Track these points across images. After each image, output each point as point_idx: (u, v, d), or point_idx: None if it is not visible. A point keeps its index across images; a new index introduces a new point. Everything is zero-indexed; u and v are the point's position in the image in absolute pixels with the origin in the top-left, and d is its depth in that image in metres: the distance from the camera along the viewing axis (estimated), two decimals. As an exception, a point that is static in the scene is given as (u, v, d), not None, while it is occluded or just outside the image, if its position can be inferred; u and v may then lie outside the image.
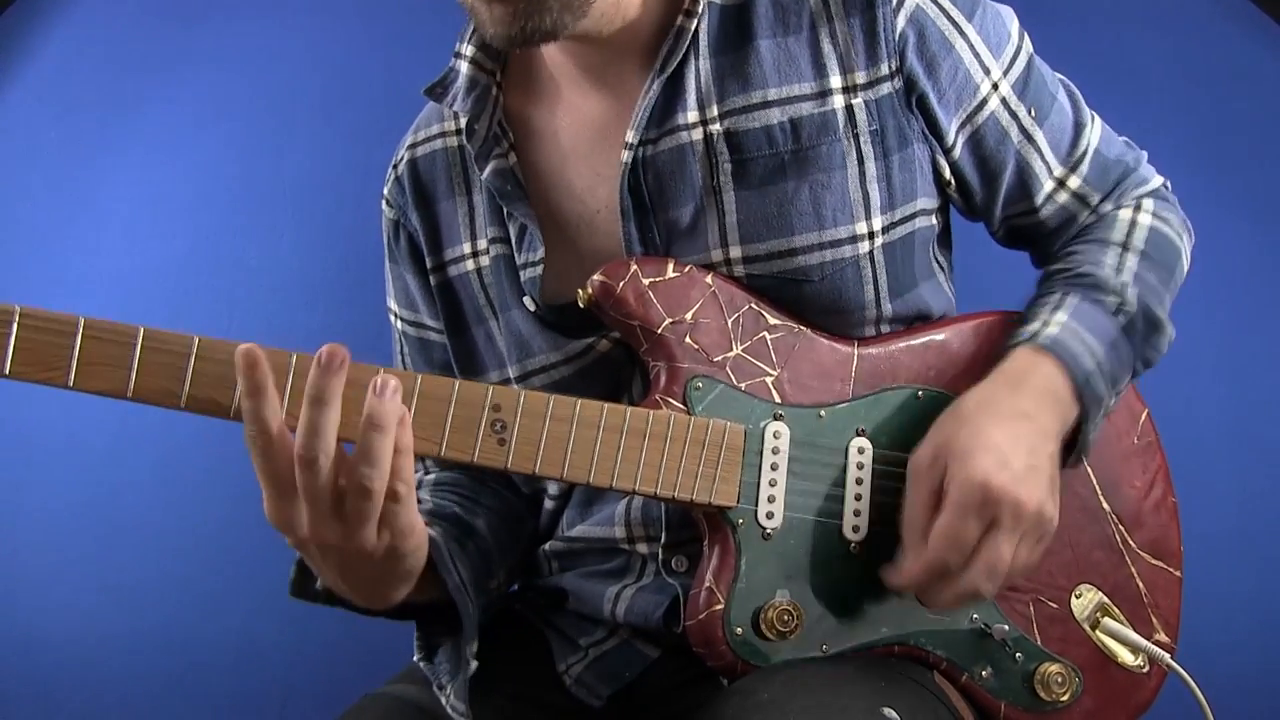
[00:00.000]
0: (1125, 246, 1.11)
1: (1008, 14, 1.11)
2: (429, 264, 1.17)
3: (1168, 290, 1.12)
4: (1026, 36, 1.11)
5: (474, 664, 0.98)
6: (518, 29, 0.98)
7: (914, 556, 0.95)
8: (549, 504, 1.17)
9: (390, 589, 0.91)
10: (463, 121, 1.13)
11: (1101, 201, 1.15)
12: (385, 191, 1.21)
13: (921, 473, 0.97)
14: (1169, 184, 1.21)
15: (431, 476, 1.20)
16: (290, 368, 0.86)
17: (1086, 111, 1.15)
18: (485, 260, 1.13)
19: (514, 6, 0.97)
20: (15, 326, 0.82)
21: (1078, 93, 1.15)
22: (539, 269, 1.08)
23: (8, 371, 0.82)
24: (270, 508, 0.83)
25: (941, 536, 0.93)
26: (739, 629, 0.96)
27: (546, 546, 1.15)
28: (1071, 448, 1.04)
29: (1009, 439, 0.95)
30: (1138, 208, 1.15)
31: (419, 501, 1.08)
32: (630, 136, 1.05)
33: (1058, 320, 1.04)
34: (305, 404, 0.81)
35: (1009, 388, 0.99)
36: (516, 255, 1.10)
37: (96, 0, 1.98)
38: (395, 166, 1.20)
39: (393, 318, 1.24)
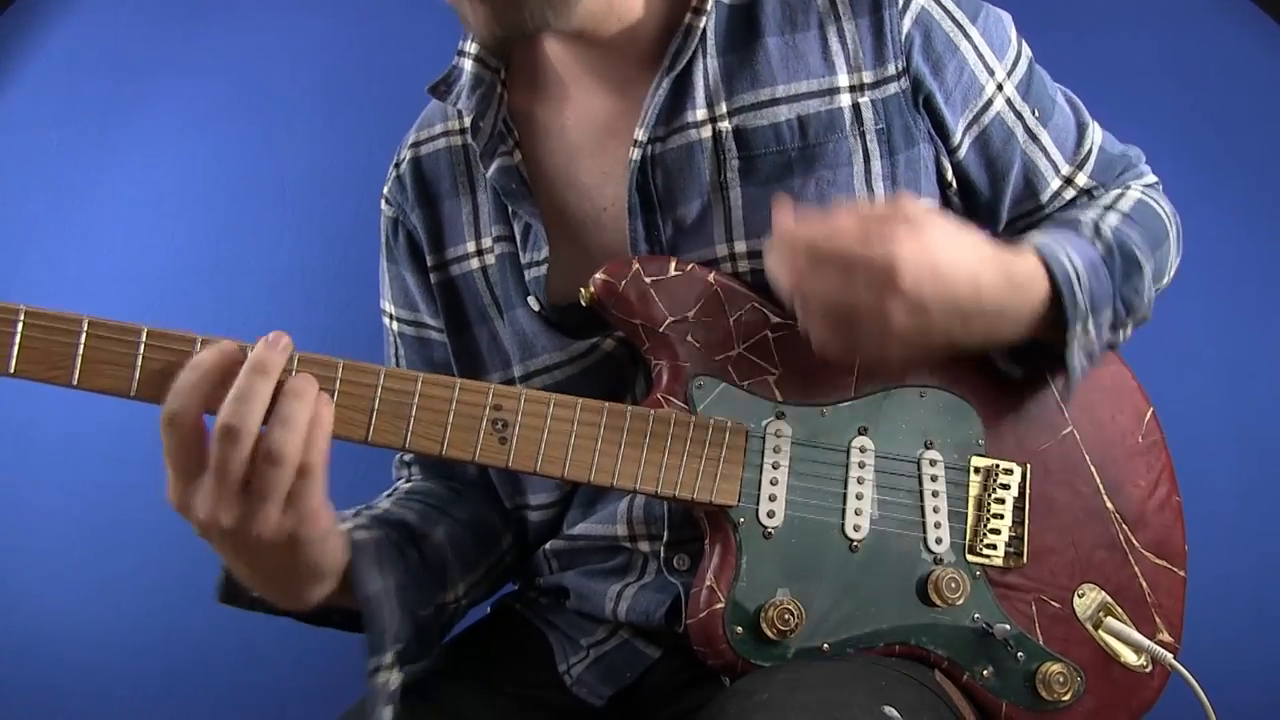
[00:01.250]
0: (1108, 207, 1.10)
1: (1007, 19, 1.12)
2: (430, 262, 1.16)
3: (1149, 247, 1.08)
4: (1025, 42, 1.13)
5: (392, 683, 0.95)
6: (498, 26, 0.99)
7: (814, 220, 0.90)
8: (538, 514, 1.15)
9: (301, 586, 0.90)
10: (467, 120, 1.13)
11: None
12: (385, 190, 1.21)
13: (895, 205, 0.90)
14: (1161, 185, 1.21)
15: (406, 485, 1.19)
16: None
17: (1086, 114, 1.16)
18: (490, 259, 1.13)
19: (492, 6, 0.97)
20: (20, 325, 0.83)
21: (1076, 98, 1.17)
22: (543, 268, 1.08)
23: (12, 370, 0.83)
24: (173, 489, 0.83)
25: (832, 233, 0.88)
26: (739, 628, 0.96)
27: (547, 546, 1.15)
28: (1043, 358, 1.01)
29: (948, 280, 0.88)
30: (1128, 186, 1.16)
31: (371, 507, 1.08)
32: (640, 134, 1.05)
33: (1038, 235, 1.00)
34: (243, 372, 0.81)
35: (996, 258, 0.94)
36: (521, 254, 1.10)
37: (96, 1, 1.98)
38: (397, 165, 1.20)
39: (387, 320, 1.23)
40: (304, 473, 0.82)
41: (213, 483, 0.81)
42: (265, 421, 0.82)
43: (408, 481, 1.21)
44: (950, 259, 0.89)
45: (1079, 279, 0.98)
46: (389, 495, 1.17)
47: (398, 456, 1.25)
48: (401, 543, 1.02)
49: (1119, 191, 1.14)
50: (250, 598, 0.95)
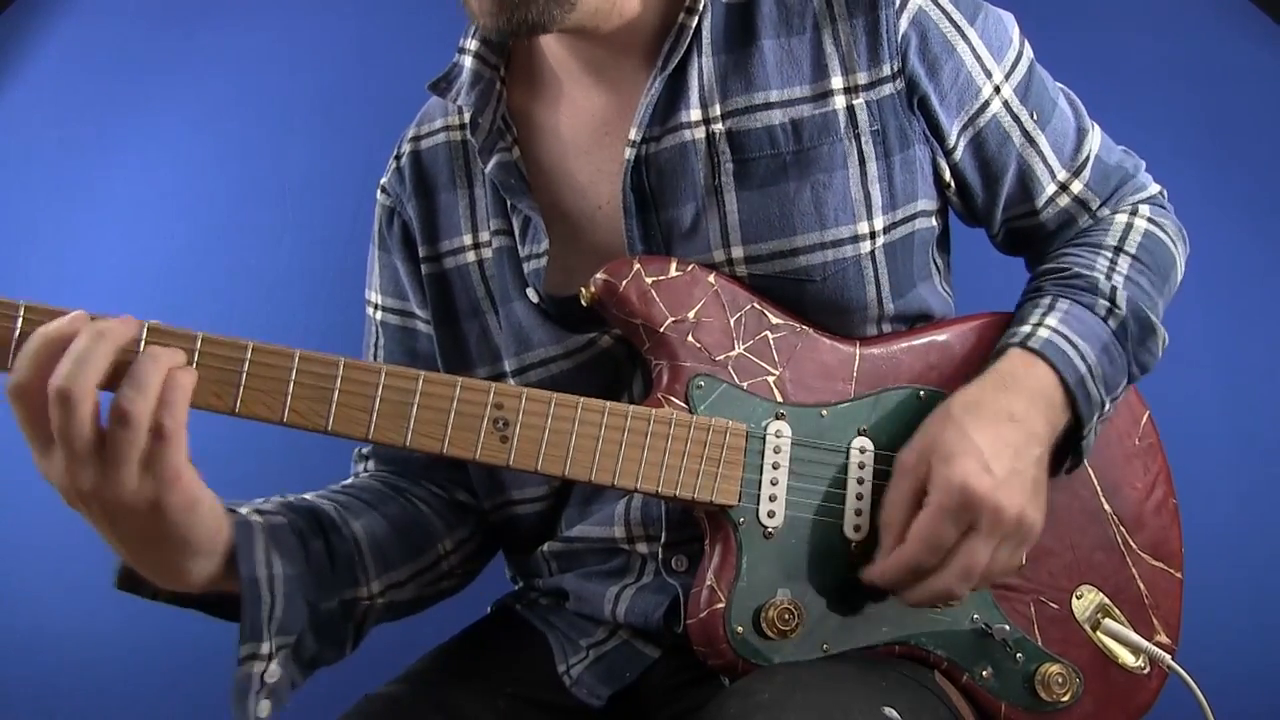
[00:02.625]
0: (1118, 250, 1.11)
1: (1009, 19, 1.12)
2: (422, 253, 1.16)
3: (1161, 295, 1.12)
4: (1027, 43, 1.12)
5: (269, 675, 0.92)
6: (504, 20, 0.99)
7: (891, 554, 0.96)
8: (527, 508, 1.15)
9: (174, 559, 0.87)
10: (466, 116, 1.13)
11: (1101, 206, 1.15)
12: (383, 181, 1.21)
13: (905, 471, 0.97)
14: (1165, 192, 1.21)
15: (349, 481, 1.17)
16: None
17: (1087, 118, 1.16)
18: (488, 252, 1.13)
19: (500, 0, 0.98)
20: (20, 321, 0.82)
21: (1078, 100, 1.16)
22: (543, 260, 1.08)
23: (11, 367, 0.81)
24: (35, 458, 0.82)
25: (919, 537, 0.93)
26: (740, 628, 0.96)
27: (545, 547, 1.15)
28: (1066, 453, 1.04)
29: (994, 442, 0.95)
30: (1134, 212, 1.15)
31: (285, 495, 1.04)
32: (633, 133, 1.06)
33: (1048, 324, 1.03)
34: (80, 335, 0.80)
35: (998, 389, 0.99)
36: (520, 247, 1.10)
37: (96, 1, 1.98)
38: (397, 158, 1.20)
39: (371, 309, 1.23)
40: (158, 435, 0.80)
41: (62, 449, 0.80)
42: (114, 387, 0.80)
43: (360, 476, 1.19)
44: (977, 432, 0.95)
45: (1091, 375, 1.02)
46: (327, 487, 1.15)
47: (356, 449, 1.23)
48: (306, 531, 0.99)
49: (1126, 221, 1.14)
50: (151, 588, 0.93)
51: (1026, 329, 1.03)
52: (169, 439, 0.81)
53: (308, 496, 1.07)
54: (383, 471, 1.19)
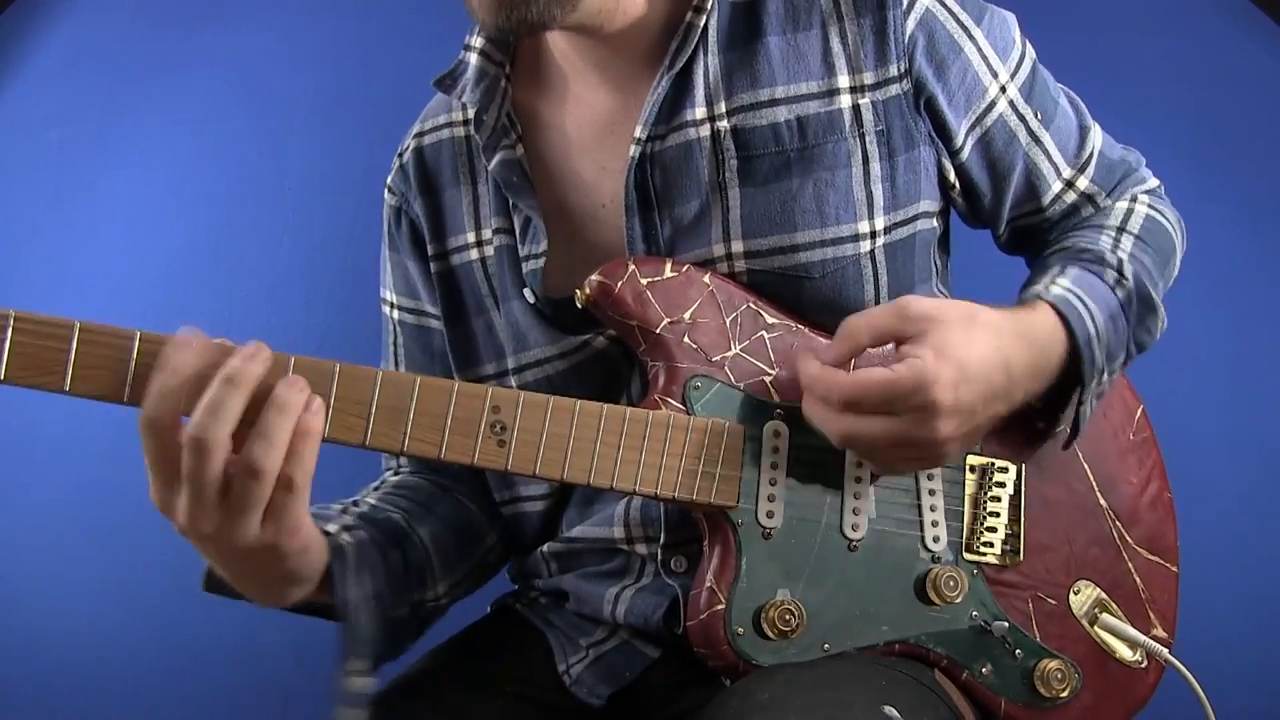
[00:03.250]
0: (1121, 229, 1.11)
1: (1011, 20, 1.13)
2: (430, 251, 1.17)
3: (1161, 277, 1.12)
4: (1029, 43, 1.13)
5: (369, 686, 0.94)
6: (504, 18, 0.99)
7: (831, 360, 0.95)
8: (533, 506, 1.15)
9: (280, 590, 0.90)
10: (471, 112, 1.13)
11: (1105, 199, 1.16)
12: (389, 180, 1.21)
13: (901, 313, 0.94)
14: (1163, 186, 1.22)
15: (396, 478, 1.19)
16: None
17: (1088, 116, 1.17)
18: (489, 250, 1.13)
19: None
20: (10, 331, 0.81)
21: (1078, 99, 1.17)
22: (540, 261, 1.08)
23: (2, 377, 0.81)
24: (154, 491, 0.82)
25: (860, 380, 0.91)
26: (740, 628, 0.96)
27: (545, 548, 1.15)
28: (1053, 418, 1.03)
29: (979, 375, 0.92)
30: (1134, 199, 1.16)
31: (358, 504, 1.08)
32: (638, 131, 1.06)
33: (1060, 283, 1.03)
34: (214, 383, 0.80)
35: (1016, 335, 0.97)
36: (520, 247, 1.11)
37: (96, 1, 1.98)
38: (401, 155, 1.20)
39: (387, 308, 1.23)
40: (285, 486, 0.82)
41: (188, 491, 0.81)
42: (245, 433, 0.81)
43: (395, 474, 1.21)
44: (976, 356, 0.92)
45: (1098, 337, 1.01)
46: (375, 488, 1.17)
47: None
48: (385, 544, 1.02)
49: (1127, 207, 1.15)
50: (235, 591, 0.95)
51: (1039, 286, 1.03)
52: (294, 490, 0.82)
53: (373, 502, 1.11)
54: (419, 467, 1.20)
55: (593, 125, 1.11)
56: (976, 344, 0.93)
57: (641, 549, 1.08)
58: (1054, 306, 1.00)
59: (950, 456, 0.96)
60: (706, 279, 1.02)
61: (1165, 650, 1.06)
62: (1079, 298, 1.01)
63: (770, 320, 1.03)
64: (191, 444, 0.79)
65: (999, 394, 0.95)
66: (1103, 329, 1.01)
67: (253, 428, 0.81)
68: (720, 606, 0.96)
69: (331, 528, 0.97)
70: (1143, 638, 1.06)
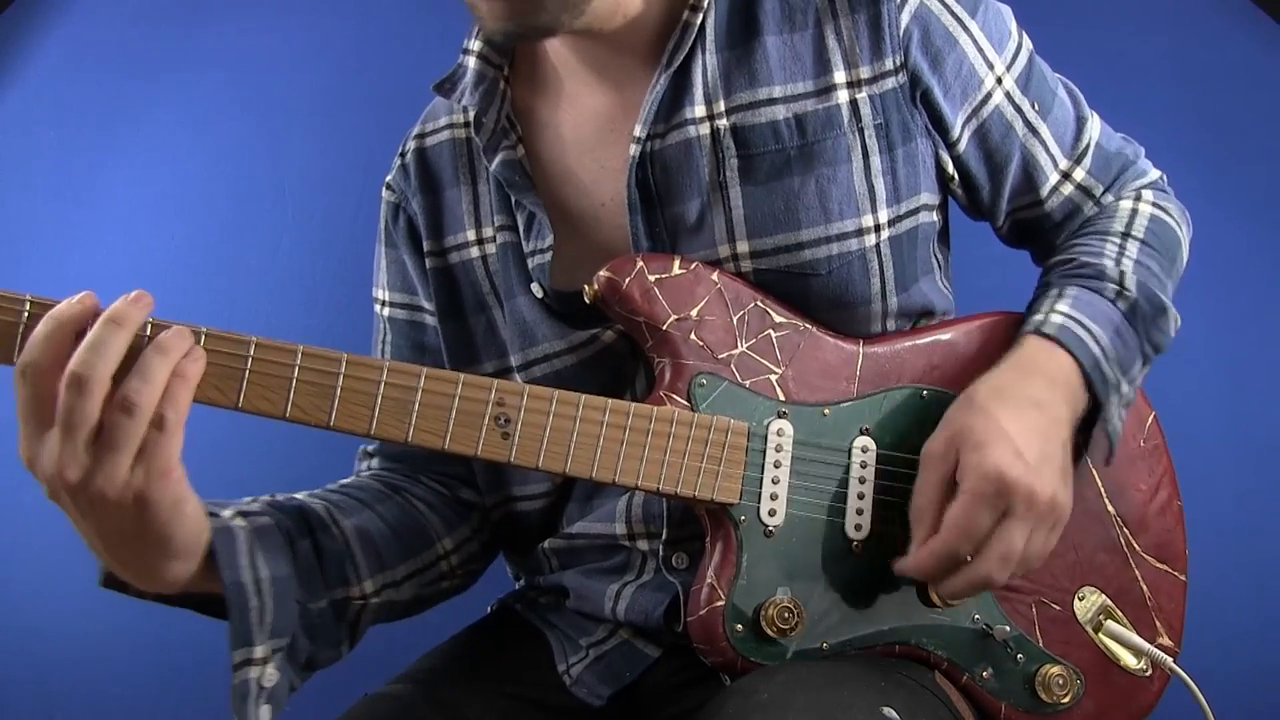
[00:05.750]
0: (1126, 234, 1.12)
1: (1006, 11, 1.13)
2: (427, 248, 1.16)
3: (1169, 277, 1.13)
4: (1025, 35, 1.13)
5: (266, 679, 0.92)
6: (513, 25, 0.99)
7: (924, 544, 0.95)
8: (530, 505, 1.15)
9: (153, 559, 0.86)
10: (471, 115, 1.13)
11: (1105, 193, 1.16)
12: (388, 178, 1.21)
13: (934, 460, 0.97)
14: (1165, 177, 1.22)
15: (346, 480, 1.17)
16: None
17: (1086, 107, 1.17)
18: (491, 248, 1.13)
19: (509, 3, 0.98)
20: (25, 315, 0.81)
21: (1076, 90, 1.17)
22: (547, 255, 1.08)
23: (16, 361, 0.81)
24: (22, 442, 0.81)
25: (954, 526, 0.93)
26: (740, 626, 0.96)
27: (546, 544, 1.15)
28: (1087, 436, 1.04)
29: (1022, 428, 0.95)
30: (1138, 198, 1.16)
31: (274, 495, 1.03)
32: (638, 130, 1.06)
33: (1060, 310, 1.04)
34: (97, 323, 0.80)
35: (1019, 375, 0.99)
36: (524, 243, 1.11)
37: (97, 1, 1.98)
38: (402, 155, 1.20)
39: (379, 306, 1.23)
40: (158, 425, 0.80)
41: (60, 433, 0.79)
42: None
43: (363, 473, 1.19)
44: (1005, 416, 0.95)
45: (1106, 356, 1.02)
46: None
47: (361, 447, 1.22)
48: (293, 531, 0.98)
49: (1131, 207, 1.15)
50: (137, 587, 0.92)
51: (1039, 317, 1.04)
52: (168, 431, 0.81)
53: (298, 496, 1.06)
54: (385, 470, 1.19)
55: (591, 125, 1.11)
56: (997, 412, 0.95)
57: (643, 545, 1.08)
58: (1056, 340, 1.01)
59: (1066, 504, 0.96)
60: (715, 276, 1.02)
61: (1170, 659, 1.06)
62: (1078, 322, 1.02)
63: (777, 319, 1.02)
64: (71, 379, 0.78)
65: (1049, 424, 0.97)
66: (1109, 346, 1.02)
67: (133, 367, 0.80)
68: (720, 603, 0.96)
69: (226, 512, 0.94)
70: (1148, 646, 1.05)
